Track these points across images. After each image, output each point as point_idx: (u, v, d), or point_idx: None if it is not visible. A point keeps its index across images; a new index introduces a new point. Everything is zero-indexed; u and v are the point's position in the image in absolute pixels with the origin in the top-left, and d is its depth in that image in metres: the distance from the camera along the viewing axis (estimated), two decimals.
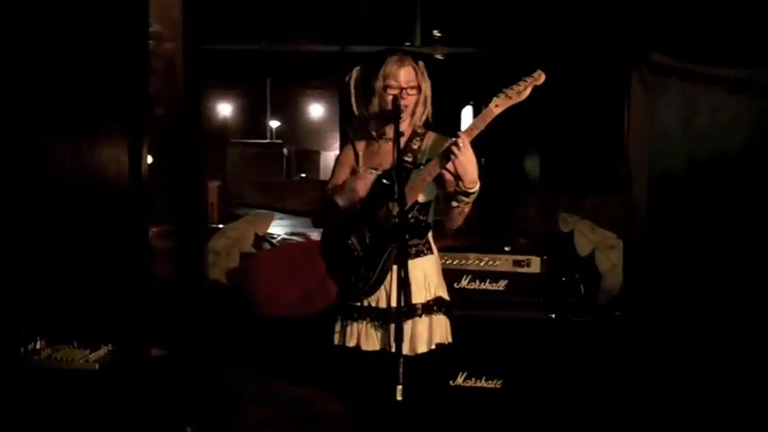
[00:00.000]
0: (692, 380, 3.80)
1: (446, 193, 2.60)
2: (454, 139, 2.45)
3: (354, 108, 2.73)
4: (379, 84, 2.63)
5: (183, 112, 4.89)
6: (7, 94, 3.02)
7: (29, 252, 3.06)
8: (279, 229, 12.31)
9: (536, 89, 2.51)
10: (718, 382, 3.57)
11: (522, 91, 2.47)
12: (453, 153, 2.43)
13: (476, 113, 7.78)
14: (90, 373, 2.66)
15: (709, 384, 3.65)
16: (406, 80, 2.62)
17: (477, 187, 2.50)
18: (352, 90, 2.72)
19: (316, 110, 30.43)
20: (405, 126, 2.64)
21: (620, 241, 5.28)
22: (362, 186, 2.61)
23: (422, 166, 2.59)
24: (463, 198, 2.51)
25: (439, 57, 6.07)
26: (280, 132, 29.96)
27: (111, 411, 2.69)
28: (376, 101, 2.65)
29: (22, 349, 2.68)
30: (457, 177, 2.47)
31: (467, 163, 2.45)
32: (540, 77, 2.50)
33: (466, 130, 2.48)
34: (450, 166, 2.47)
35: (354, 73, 2.73)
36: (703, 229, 3.84)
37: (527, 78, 2.49)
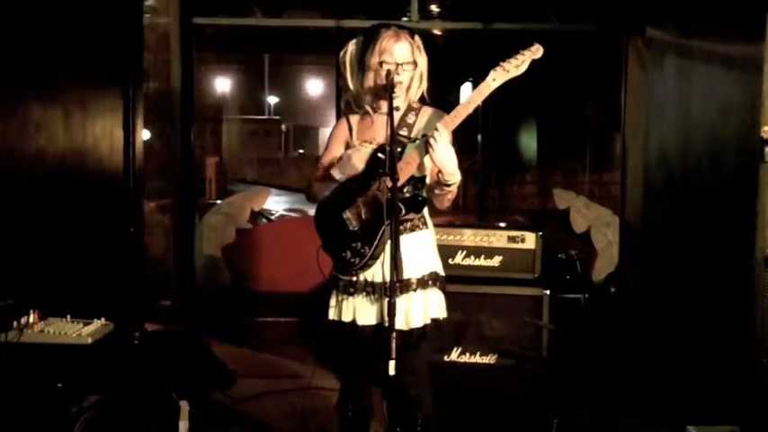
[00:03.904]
0: (687, 356, 3.81)
1: (429, 180, 2.63)
2: (433, 131, 2.47)
3: (349, 83, 2.71)
4: (374, 59, 2.60)
5: (177, 87, 4.87)
6: (1, 67, 2.99)
7: (22, 226, 3.06)
8: (277, 205, 12.33)
9: (533, 66, 2.51)
10: (712, 357, 3.59)
11: (519, 65, 2.48)
12: (430, 146, 2.46)
13: (475, 89, 7.75)
14: (83, 347, 2.66)
15: (703, 359, 3.66)
16: (401, 56, 2.60)
17: (455, 179, 2.53)
18: (347, 65, 2.70)
19: (314, 86, 30.36)
20: (400, 101, 2.63)
21: (616, 218, 5.28)
22: (360, 160, 2.60)
23: (416, 141, 2.58)
24: (445, 188, 2.55)
25: (437, 32, 6.02)
26: (278, 108, 29.91)
27: (104, 386, 2.69)
28: (371, 76, 2.63)
29: (15, 323, 2.68)
30: (437, 169, 2.51)
31: (443, 157, 2.48)
32: (537, 51, 2.51)
33: (450, 116, 2.50)
34: (428, 158, 2.49)
35: (350, 47, 2.71)
36: (698, 205, 3.83)
37: (525, 52, 2.50)
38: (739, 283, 3.27)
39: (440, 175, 2.52)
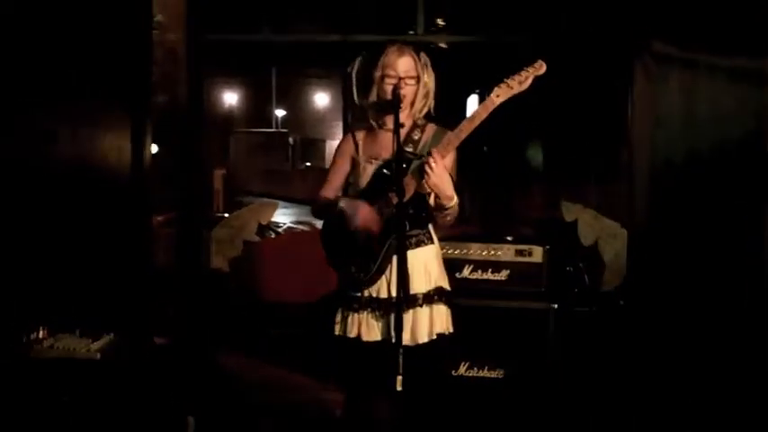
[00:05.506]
0: (696, 369, 3.80)
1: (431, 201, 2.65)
2: (427, 157, 2.49)
3: (355, 97, 2.74)
4: (377, 73, 2.64)
5: (185, 101, 4.89)
6: (11, 81, 3.02)
7: (30, 240, 3.07)
8: (284, 217, 12.35)
9: (539, 78, 2.53)
10: (720, 369, 3.57)
11: (523, 81, 2.51)
12: (426, 173, 2.48)
13: (481, 102, 7.77)
14: (92, 363, 2.67)
15: (711, 372, 3.65)
16: (404, 70, 2.62)
17: (453, 203, 2.56)
18: (353, 80, 2.73)
19: (321, 99, 30.42)
20: (404, 117, 2.64)
21: (624, 230, 5.26)
22: (368, 218, 2.61)
23: (422, 158, 2.60)
24: (443, 211, 2.55)
25: (443, 45, 6.04)
26: (285, 121, 29.96)
27: (112, 401, 2.70)
28: (375, 90, 2.66)
29: (24, 338, 2.69)
30: (434, 194, 2.54)
31: (439, 182, 2.51)
32: (541, 67, 2.53)
33: (454, 133, 2.51)
34: (424, 184, 2.51)
35: (356, 63, 2.74)
36: (705, 216, 3.83)
37: (528, 68, 2.53)
38: (750, 296, 3.26)
39: (437, 200, 2.55)
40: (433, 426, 2.76)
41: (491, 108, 2.49)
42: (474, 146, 2.65)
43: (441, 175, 2.50)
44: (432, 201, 2.60)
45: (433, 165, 2.48)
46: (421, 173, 2.51)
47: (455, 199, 2.56)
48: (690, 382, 3.81)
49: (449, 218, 2.61)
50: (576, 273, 5.04)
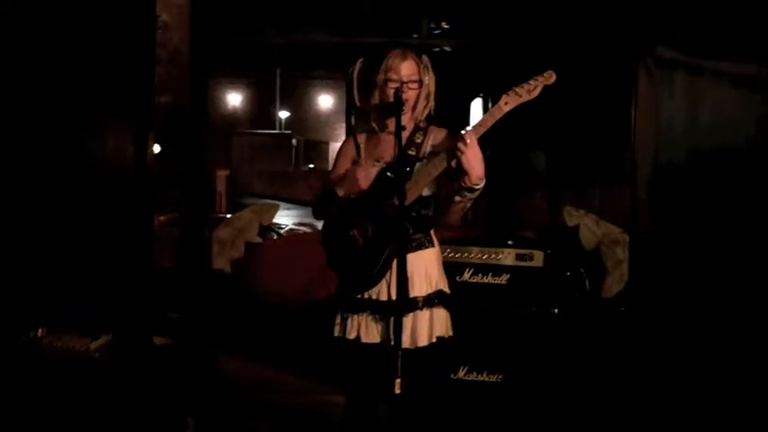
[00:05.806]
0: (698, 377, 3.78)
1: (450, 187, 2.59)
2: (462, 133, 2.46)
3: (356, 100, 2.73)
4: (380, 77, 2.63)
5: (188, 101, 4.90)
6: (14, 83, 3.03)
7: (32, 239, 3.08)
8: (286, 219, 12.34)
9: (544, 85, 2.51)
10: (723, 378, 3.56)
11: (532, 90, 2.49)
12: (460, 150, 2.44)
13: (485, 106, 7.76)
14: (90, 362, 2.67)
15: (714, 381, 3.64)
16: (407, 74, 2.62)
17: (482, 183, 2.51)
18: (354, 82, 2.73)
19: (324, 101, 30.46)
20: (405, 120, 2.64)
21: (626, 236, 5.26)
22: (364, 178, 2.61)
23: (425, 160, 2.59)
24: (467, 194, 2.52)
25: (447, 49, 6.05)
26: (288, 123, 30.00)
27: (110, 400, 2.70)
28: (377, 93, 2.65)
29: (23, 337, 2.69)
30: (463, 173, 2.47)
31: (473, 160, 2.46)
32: (550, 77, 2.51)
33: (473, 127, 2.49)
34: (456, 162, 2.47)
35: (357, 65, 2.74)
36: (708, 223, 3.82)
37: (538, 77, 2.51)
38: (756, 302, 3.26)
39: (465, 180, 2.48)
40: (431, 429, 2.75)
41: (498, 116, 2.48)
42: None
43: (475, 153, 2.46)
44: (461, 181, 2.53)
45: (467, 141, 2.44)
46: (453, 153, 2.47)
47: (484, 180, 2.52)
48: (691, 389, 3.80)
49: (469, 204, 2.57)
50: (577, 278, 5.03)
